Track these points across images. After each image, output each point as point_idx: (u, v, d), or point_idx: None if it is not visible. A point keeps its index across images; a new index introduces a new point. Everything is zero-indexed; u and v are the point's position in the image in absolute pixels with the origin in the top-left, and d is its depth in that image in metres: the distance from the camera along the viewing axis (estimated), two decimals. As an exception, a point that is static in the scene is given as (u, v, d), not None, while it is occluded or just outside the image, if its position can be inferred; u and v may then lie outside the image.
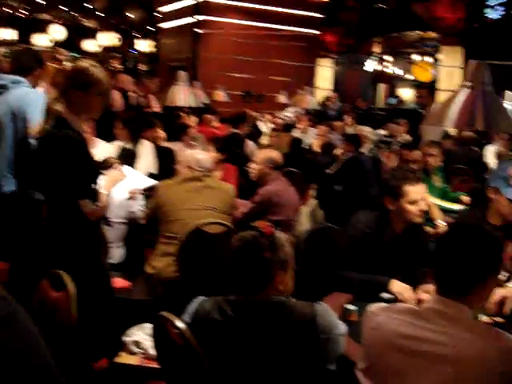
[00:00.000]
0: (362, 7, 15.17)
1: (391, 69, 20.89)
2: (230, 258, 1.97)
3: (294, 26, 13.72)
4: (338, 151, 6.91)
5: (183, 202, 3.77)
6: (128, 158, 4.81)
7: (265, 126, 10.57)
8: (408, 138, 9.00)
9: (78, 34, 20.99)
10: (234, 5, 13.10)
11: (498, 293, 2.37)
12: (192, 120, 8.33)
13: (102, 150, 4.52)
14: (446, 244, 1.73)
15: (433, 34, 14.52)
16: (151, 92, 12.32)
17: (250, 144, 7.04)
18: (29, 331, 1.15)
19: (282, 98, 12.14)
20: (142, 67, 21.01)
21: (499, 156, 7.22)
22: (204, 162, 4.07)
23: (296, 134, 8.87)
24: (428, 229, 4.26)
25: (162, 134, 6.43)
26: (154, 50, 19.60)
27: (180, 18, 13.79)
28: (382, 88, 22.39)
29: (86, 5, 20.63)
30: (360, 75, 21.43)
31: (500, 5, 11.95)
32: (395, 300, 2.60)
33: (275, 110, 11.83)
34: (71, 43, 18.77)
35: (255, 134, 8.94)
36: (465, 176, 6.23)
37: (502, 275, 2.48)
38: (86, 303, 2.26)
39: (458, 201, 5.24)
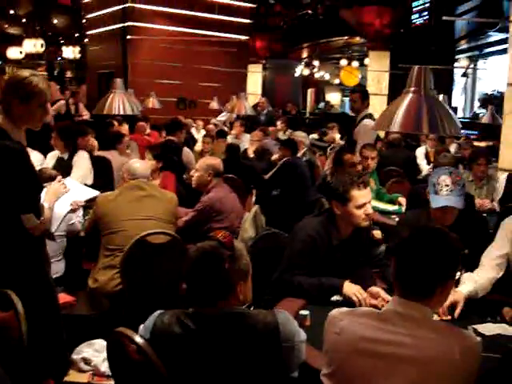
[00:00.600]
0: (289, 13, 15.42)
1: (319, 74, 21.31)
2: (189, 270, 1.92)
3: (224, 31, 13.74)
4: (274, 156, 6.95)
5: (125, 213, 3.68)
6: (64, 168, 4.66)
7: (198, 133, 10.52)
8: (341, 142, 9.21)
9: (1, 41, 20.15)
10: (160, 10, 12.96)
11: (449, 298, 2.43)
12: (124, 128, 8.17)
13: (34, 160, 4.33)
14: (408, 248, 1.75)
15: (360, 40, 14.95)
16: (79, 100, 12.00)
17: (186, 151, 6.98)
18: None
19: (214, 104, 12.12)
20: (69, 74, 20.44)
21: (434, 158, 7.39)
22: (142, 170, 3.99)
23: (229, 139, 8.87)
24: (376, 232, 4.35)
25: (94, 142, 6.27)
26: (80, 56, 19.13)
27: (108, 24, 13.50)
28: (310, 93, 22.84)
29: (10, 12, 19.86)
30: (289, 80, 21.77)
31: (424, 10, 12.43)
32: (344, 302, 2.63)
33: (208, 116, 11.79)
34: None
35: (190, 141, 8.86)
36: (398, 177, 6.42)
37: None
38: (33, 321, 2.17)
39: (392, 202, 5.41)
